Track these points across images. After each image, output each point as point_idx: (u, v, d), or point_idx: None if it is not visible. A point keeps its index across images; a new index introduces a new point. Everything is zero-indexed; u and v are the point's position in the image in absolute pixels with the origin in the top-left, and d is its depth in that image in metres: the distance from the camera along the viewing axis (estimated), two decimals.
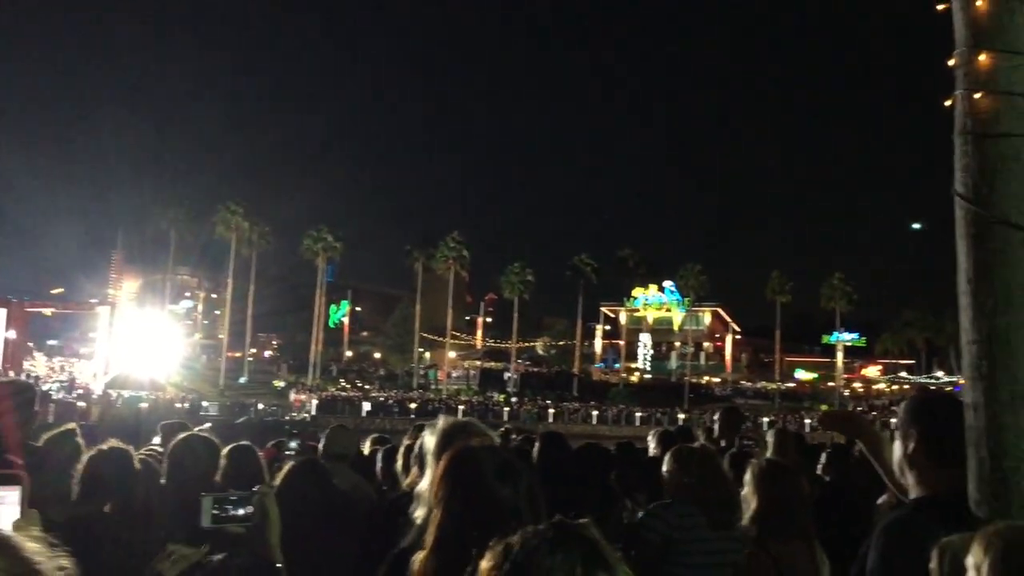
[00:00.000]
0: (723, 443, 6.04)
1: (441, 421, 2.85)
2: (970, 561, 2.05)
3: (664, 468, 4.11)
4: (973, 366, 2.55)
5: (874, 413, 49.43)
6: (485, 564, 1.58)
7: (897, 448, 2.81)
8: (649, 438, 6.15)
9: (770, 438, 5.87)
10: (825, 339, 79.01)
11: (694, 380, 73.81)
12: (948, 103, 2.74)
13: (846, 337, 77.64)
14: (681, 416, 48.80)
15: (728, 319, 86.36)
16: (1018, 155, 2.56)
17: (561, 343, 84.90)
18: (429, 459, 2.68)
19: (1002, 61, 2.60)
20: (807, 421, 48.70)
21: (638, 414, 53.90)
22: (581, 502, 4.09)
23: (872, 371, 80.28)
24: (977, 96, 2.62)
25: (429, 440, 2.79)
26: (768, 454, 5.32)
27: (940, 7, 2.79)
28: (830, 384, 75.18)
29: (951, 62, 2.73)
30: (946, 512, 2.48)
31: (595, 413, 55.59)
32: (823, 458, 6.37)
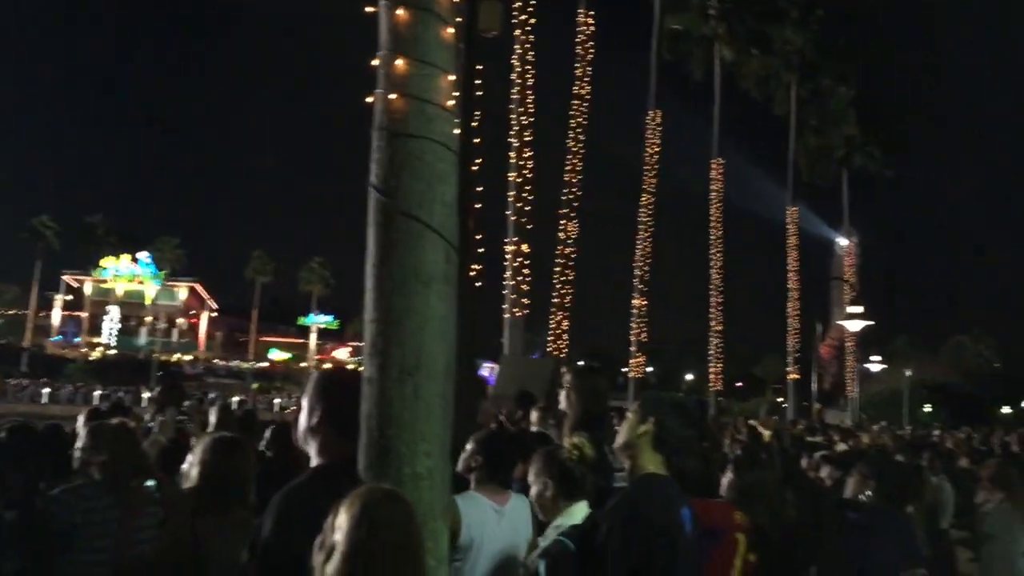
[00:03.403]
0: (161, 418, 5.85)
1: None
2: (339, 520, 2.22)
3: (78, 445, 3.86)
4: (371, 343, 2.78)
5: None
6: None
7: (302, 420, 2.96)
8: (80, 417, 5.75)
9: (213, 416, 5.85)
10: (301, 321, 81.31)
11: (164, 358, 70.83)
12: (370, 100, 2.96)
13: (321, 319, 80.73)
14: (146, 395, 46.41)
15: (205, 296, 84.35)
16: (422, 154, 2.85)
17: (11, 312, 75.61)
18: None
19: (415, 68, 2.88)
20: (276, 401, 49.54)
21: (97, 392, 50.06)
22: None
23: (343, 353, 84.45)
24: (392, 97, 2.87)
25: None
26: (210, 430, 5.29)
27: (369, 9, 3.00)
28: (303, 365, 77.42)
29: (375, 62, 2.95)
30: (339, 477, 2.66)
31: (47, 391, 50.44)
32: (267, 434, 6.51)
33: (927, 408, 45.56)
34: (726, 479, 4.72)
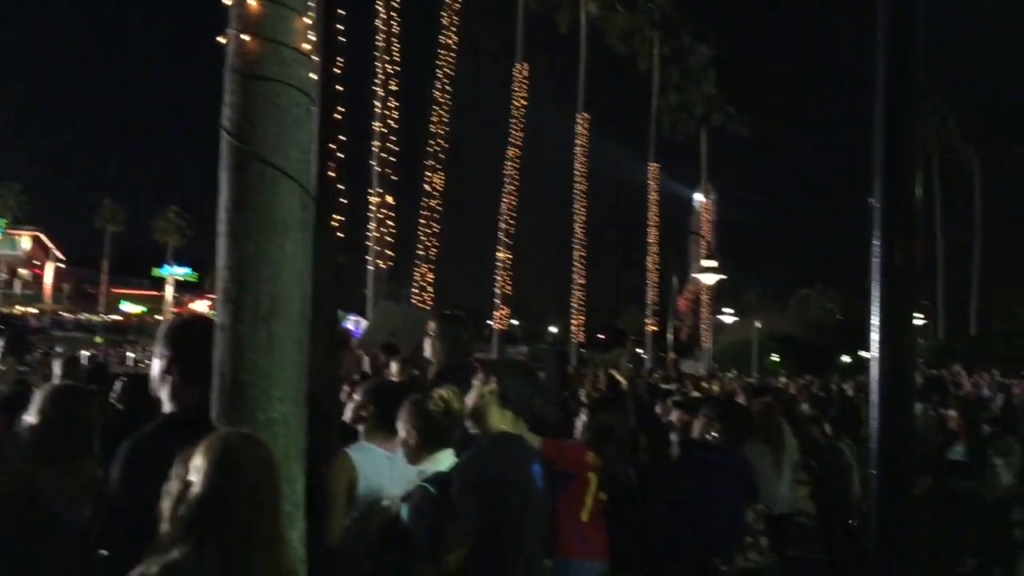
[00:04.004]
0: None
1: None
2: (195, 463, 2.21)
3: None
4: (224, 289, 2.74)
5: None
6: None
7: (154, 368, 2.90)
8: None
9: (58, 368, 5.61)
10: (156, 272, 78.04)
11: (6, 310, 66.81)
12: (222, 40, 2.87)
13: (178, 271, 77.71)
14: None
15: (51, 245, 79.79)
16: (277, 98, 2.80)
17: None
18: None
19: (270, 10, 2.80)
20: (130, 354, 47.59)
21: None
22: None
23: (201, 305, 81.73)
24: (246, 38, 2.79)
25: None
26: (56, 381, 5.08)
27: None
28: (157, 317, 74.55)
29: (226, 1, 2.86)
30: (191, 424, 2.63)
31: None
32: (117, 386, 6.32)
33: (775, 357, 48.06)
34: (580, 421, 4.92)
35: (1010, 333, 40.22)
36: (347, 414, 3.96)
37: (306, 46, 2.87)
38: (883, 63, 2.22)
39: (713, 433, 6.08)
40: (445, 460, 3.68)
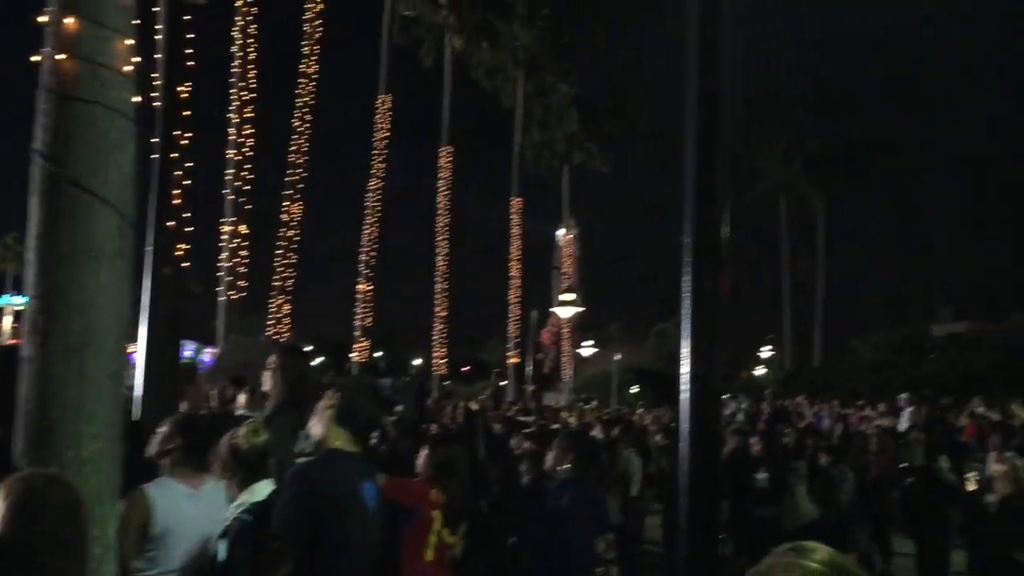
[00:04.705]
0: None
1: None
2: None
3: None
4: (31, 320, 2.61)
5: None
6: None
7: None
8: None
9: None
10: None
11: None
12: (37, 59, 2.75)
13: (17, 301, 73.14)
14: None
15: None
16: (94, 121, 2.70)
17: None
18: None
19: (89, 29, 2.71)
20: None
21: None
22: None
23: None
24: (62, 58, 2.69)
25: None
26: None
27: None
28: None
29: (42, 19, 2.75)
30: None
31: None
32: None
33: (634, 389, 49.21)
34: (422, 456, 4.88)
35: (849, 365, 42.60)
36: (152, 447, 3.77)
37: (127, 68, 2.78)
38: (691, 118, 2.33)
39: (565, 465, 6.14)
40: (262, 490, 3.59)
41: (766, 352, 53.33)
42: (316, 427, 3.40)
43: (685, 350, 2.28)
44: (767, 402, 24.14)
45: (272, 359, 4.72)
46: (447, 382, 39.40)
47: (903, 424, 16.38)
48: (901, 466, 12.35)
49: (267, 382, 4.70)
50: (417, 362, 70.94)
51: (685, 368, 2.28)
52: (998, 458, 8.28)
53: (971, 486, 8.23)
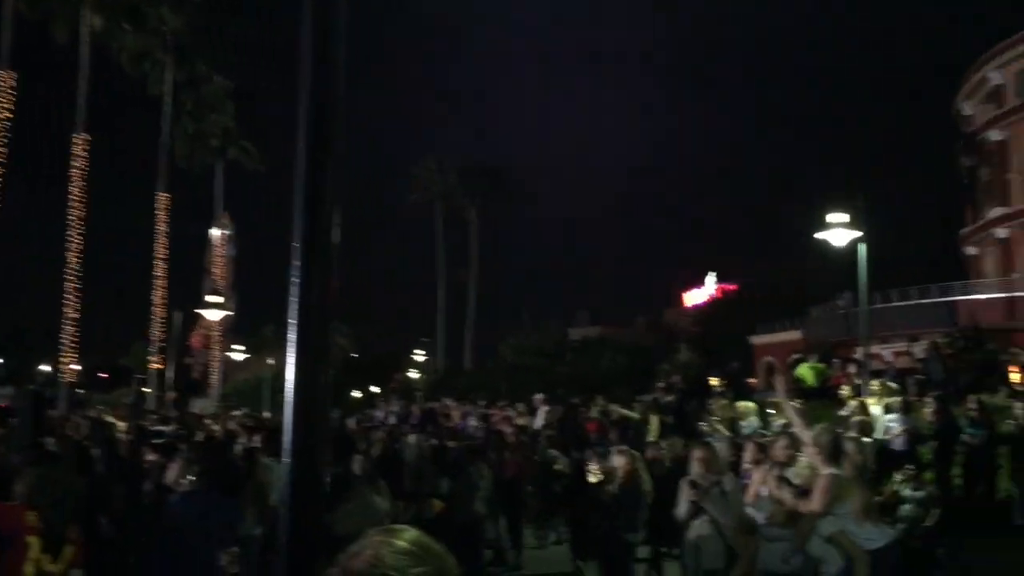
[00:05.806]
0: None
1: None
2: None
3: None
4: None
5: None
6: None
7: None
8: None
9: None
10: None
11: None
12: None
13: None
14: None
15: None
16: None
17: None
18: None
19: None
20: None
21: None
22: None
23: None
24: None
25: None
26: None
27: None
28: None
29: None
30: None
31: None
32: None
33: None
34: (20, 479, 4.36)
35: (495, 367, 45.20)
36: None
37: None
38: (303, 130, 2.28)
39: (190, 476, 5.85)
40: None
41: (420, 356, 54.87)
42: None
43: (291, 358, 2.21)
44: (418, 404, 24.86)
45: None
46: (80, 391, 36.00)
47: (538, 422, 17.63)
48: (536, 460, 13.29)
49: None
50: (47, 368, 64.11)
51: (290, 376, 2.22)
52: (618, 451, 9.22)
53: (592, 478, 8.99)
